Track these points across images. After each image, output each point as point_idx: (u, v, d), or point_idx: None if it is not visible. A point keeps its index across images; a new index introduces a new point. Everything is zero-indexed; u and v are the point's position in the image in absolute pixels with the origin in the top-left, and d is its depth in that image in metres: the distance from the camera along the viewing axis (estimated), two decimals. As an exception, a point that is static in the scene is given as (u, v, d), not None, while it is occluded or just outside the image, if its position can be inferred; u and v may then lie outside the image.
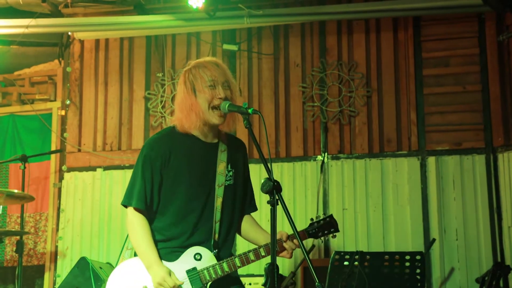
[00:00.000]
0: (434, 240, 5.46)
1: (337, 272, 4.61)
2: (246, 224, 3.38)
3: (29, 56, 6.81)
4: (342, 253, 4.72)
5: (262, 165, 2.97)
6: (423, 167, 5.84)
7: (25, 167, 5.80)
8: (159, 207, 3.20)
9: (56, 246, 6.38)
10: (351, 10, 5.96)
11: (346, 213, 5.90)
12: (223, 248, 3.22)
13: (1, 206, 5.17)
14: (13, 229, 6.41)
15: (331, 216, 3.30)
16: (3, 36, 6.27)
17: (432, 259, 5.68)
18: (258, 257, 3.14)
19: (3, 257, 6.51)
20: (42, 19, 6.12)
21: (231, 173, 3.27)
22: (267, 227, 2.99)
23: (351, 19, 6.11)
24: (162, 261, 3.13)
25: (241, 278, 5.24)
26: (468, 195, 5.73)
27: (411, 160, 5.87)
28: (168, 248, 3.18)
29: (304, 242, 3.01)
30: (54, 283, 6.27)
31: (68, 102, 6.63)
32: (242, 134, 5.57)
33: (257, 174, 5.53)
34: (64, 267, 6.27)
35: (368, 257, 4.65)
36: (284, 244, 3.15)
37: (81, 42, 6.68)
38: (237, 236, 3.41)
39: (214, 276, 3.12)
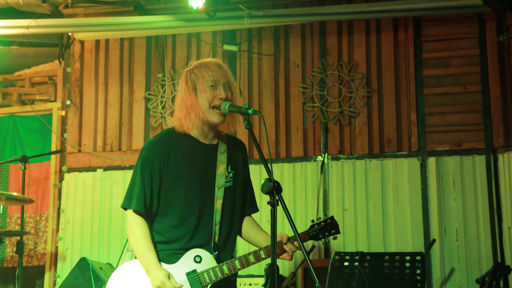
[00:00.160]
0: (434, 240, 5.46)
1: (337, 272, 4.62)
2: (246, 225, 3.37)
3: (29, 57, 6.81)
4: (342, 254, 4.73)
5: (262, 166, 2.96)
6: (423, 167, 5.84)
7: (25, 168, 5.81)
8: (159, 209, 3.19)
9: (56, 247, 6.38)
10: (352, 10, 5.96)
11: (346, 214, 5.90)
12: (223, 250, 3.21)
13: (1, 206, 5.19)
14: (14, 230, 6.41)
15: (332, 218, 3.28)
16: (4, 36, 6.27)
17: (432, 259, 5.68)
18: (258, 259, 3.13)
19: (3, 257, 6.51)
20: (42, 20, 6.12)
21: (231, 175, 3.26)
22: (268, 228, 2.98)
23: (352, 19, 6.11)
24: (162, 263, 3.12)
25: (242, 279, 5.26)
26: (468, 196, 5.73)
27: (411, 160, 5.87)
28: (169, 250, 3.17)
29: (304, 243, 3.01)
30: (54, 284, 6.27)
31: (68, 102, 6.63)
32: (242, 134, 5.57)
33: (257, 174, 5.53)
34: (65, 268, 6.27)
35: (368, 257, 4.66)
36: (285, 246, 3.14)
37: (81, 42, 6.68)
38: (237, 237, 3.41)
39: (214, 278, 3.11)
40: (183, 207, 3.16)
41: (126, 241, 3.29)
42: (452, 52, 5.98)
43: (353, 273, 4.57)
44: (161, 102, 6.42)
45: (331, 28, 6.23)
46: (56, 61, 6.73)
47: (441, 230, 5.71)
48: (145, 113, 6.49)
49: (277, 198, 2.80)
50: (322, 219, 3.27)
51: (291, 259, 3.20)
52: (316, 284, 2.71)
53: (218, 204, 3.19)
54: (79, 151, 6.53)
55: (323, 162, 6.02)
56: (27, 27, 6.03)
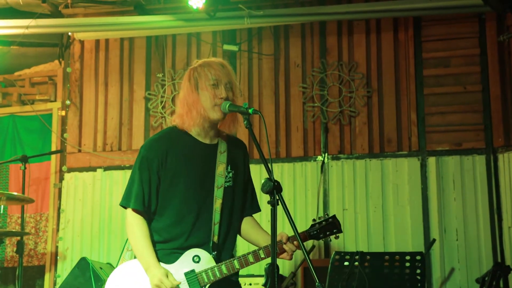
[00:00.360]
0: (434, 240, 5.46)
1: (337, 272, 4.62)
2: (247, 225, 3.36)
3: (29, 57, 6.81)
4: (342, 253, 4.73)
5: (263, 165, 2.96)
6: (423, 167, 5.84)
7: (25, 168, 5.82)
8: (158, 208, 3.19)
9: (57, 247, 6.38)
10: (352, 10, 5.96)
11: (346, 214, 5.90)
12: (223, 250, 3.20)
13: (2, 206, 5.19)
14: (14, 230, 6.41)
15: (333, 217, 3.24)
16: (3, 36, 6.27)
17: (432, 259, 5.68)
18: (257, 259, 3.12)
19: (3, 257, 6.51)
20: (42, 20, 6.12)
21: (230, 175, 3.26)
22: (268, 228, 2.98)
23: (352, 19, 6.11)
24: (160, 263, 3.12)
25: (242, 279, 5.25)
26: (468, 196, 5.73)
27: (411, 160, 5.87)
28: (167, 250, 3.16)
29: (304, 242, 3.00)
30: (55, 284, 6.27)
31: (68, 102, 6.63)
32: (242, 134, 5.57)
33: (257, 174, 5.52)
34: (65, 268, 6.28)
35: (368, 257, 4.66)
36: (284, 246, 3.13)
37: (81, 42, 6.68)
38: (237, 237, 3.40)
39: (212, 278, 3.10)
40: (181, 205, 3.15)
41: (126, 241, 3.29)
42: (452, 52, 5.97)
43: (353, 273, 4.57)
44: (161, 102, 6.42)
45: (331, 28, 6.23)
46: (56, 61, 6.73)
47: (441, 230, 5.71)
48: (145, 113, 6.49)
49: (277, 197, 2.79)
50: (323, 218, 3.25)
51: (290, 259, 3.19)
52: (316, 283, 2.70)
53: (218, 204, 3.19)
54: (79, 151, 6.53)
55: (323, 162, 6.02)
56: (27, 27, 6.03)
